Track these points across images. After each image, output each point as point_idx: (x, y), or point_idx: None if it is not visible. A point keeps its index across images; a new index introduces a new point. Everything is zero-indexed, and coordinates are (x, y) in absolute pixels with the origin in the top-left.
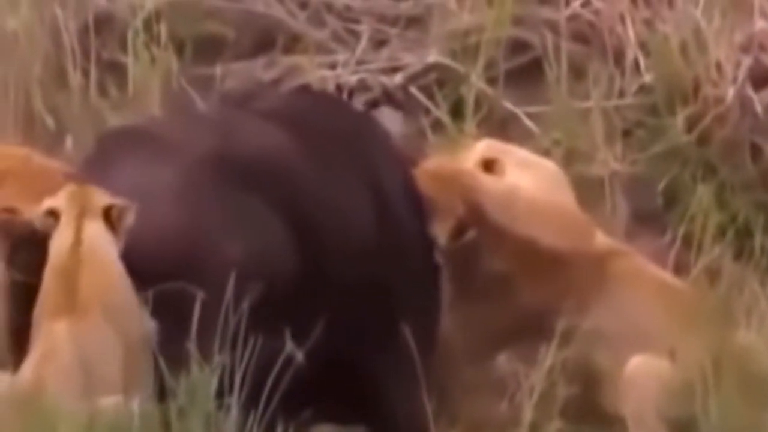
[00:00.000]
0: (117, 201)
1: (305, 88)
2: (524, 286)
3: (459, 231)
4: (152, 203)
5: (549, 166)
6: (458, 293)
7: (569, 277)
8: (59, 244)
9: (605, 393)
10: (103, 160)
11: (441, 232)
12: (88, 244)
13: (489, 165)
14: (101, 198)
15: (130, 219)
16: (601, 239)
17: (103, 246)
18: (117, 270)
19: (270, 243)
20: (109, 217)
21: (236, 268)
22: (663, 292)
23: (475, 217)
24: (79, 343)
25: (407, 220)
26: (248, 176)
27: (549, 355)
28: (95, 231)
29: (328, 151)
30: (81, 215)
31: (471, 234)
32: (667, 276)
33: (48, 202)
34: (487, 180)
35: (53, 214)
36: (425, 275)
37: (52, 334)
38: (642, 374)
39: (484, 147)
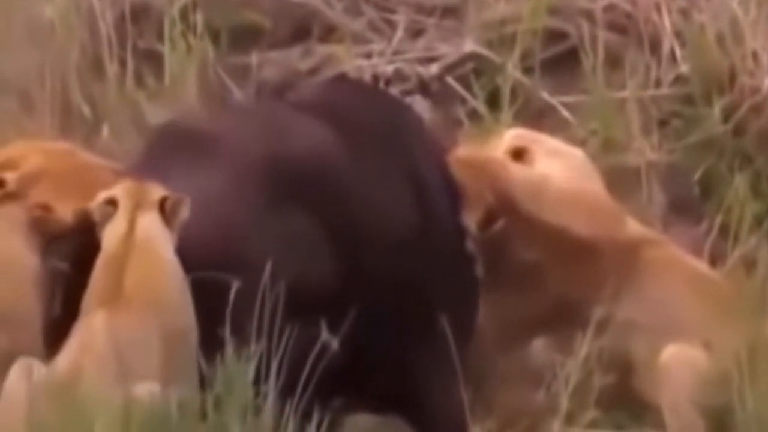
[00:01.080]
0: (172, 194)
1: (341, 78)
2: (555, 275)
3: (489, 220)
4: (201, 207)
5: (578, 155)
6: (489, 282)
7: (601, 266)
8: (113, 234)
9: (641, 382)
10: (152, 161)
11: (471, 220)
12: (141, 235)
13: (519, 154)
14: (156, 191)
15: (184, 212)
16: (634, 227)
17: (156, 237)
18: (168, 262)
19: (306, 236)
20: (163, 209)
21: (272, 258)
22: (697, 281)
23: (505, 206)
24: (116, 333)
25: (444, 210)
26: (296, 182)
27: (584, 345)
28: (149, 222)
29: (368, 143)
30: (136, 207)
31: (500, 223)
32: (700, 265)
33: (106, 193)
34: (516, 169)
35: (112, 203)
36: (461, 265)
37: (91, 322)
38: (677, 363)
39: (513, 136)
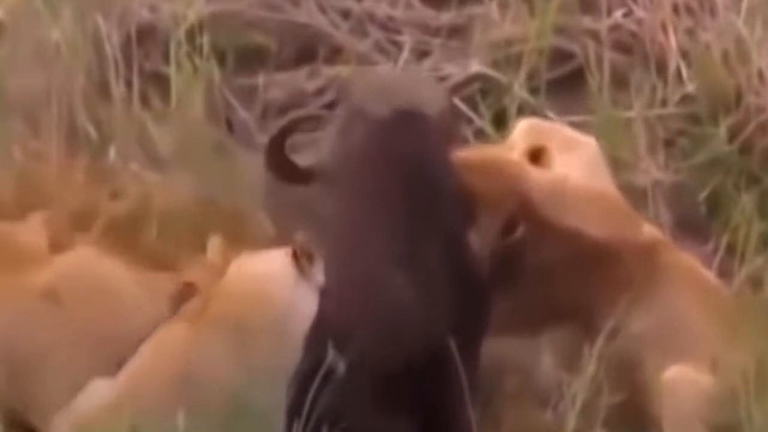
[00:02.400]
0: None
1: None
2: (571, 278)
3: (511, 227)
4: None
5: (590, 144)
6: (505, 280)
7: (619, 269)
8: None
9: (646, 399)
10: None
11: (490, 228)
12: (252, 269)
13: (536, 155)
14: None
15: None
16: (649, 230)
17: (273, 278)
18: (274, 299)
19: None
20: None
21: None
22: (708, 293)
23: (524, 211)
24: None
25: (467, 241)
26: None
27: (592, 360)
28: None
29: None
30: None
31: (521, 230)
32: (710, 276)
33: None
34: (535, 172)
35: None
36: (471, 283)
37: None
38: (681, 382)
39: (527, 131)
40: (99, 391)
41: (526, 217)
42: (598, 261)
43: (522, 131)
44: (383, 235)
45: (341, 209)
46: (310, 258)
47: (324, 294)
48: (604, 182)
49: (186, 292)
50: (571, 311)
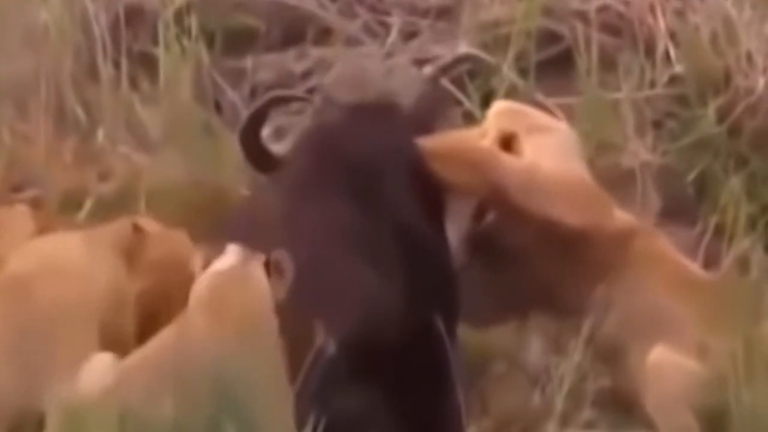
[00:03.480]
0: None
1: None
2: (544, 265)
3: (481, 212)
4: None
5: (563, 128)
6: (481, 264)
7: (592, 256)
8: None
9: (630, 382)
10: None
11: (461, 214)
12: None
13: (507, 141)
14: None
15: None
16: (622, 216)
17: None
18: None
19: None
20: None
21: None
22: (688, 279)
23: (495, 197)
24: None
25: (427, 233)
26: None
27: (578, 346)
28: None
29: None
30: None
31: (492, 215)
32: (690, 264)
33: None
34: (507, 159)
35: None
36: (444, 270)
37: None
38: (664, 366)
39: (499, 114)
40: (93, 373)
41: (498, 204)
42: (572, 247)
43: (495, 115)
44: (332, 223)
45: (293, 198)
46: (280, 274)
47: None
48: (577, 167)
49: (136, 237)
50: (547, 298)
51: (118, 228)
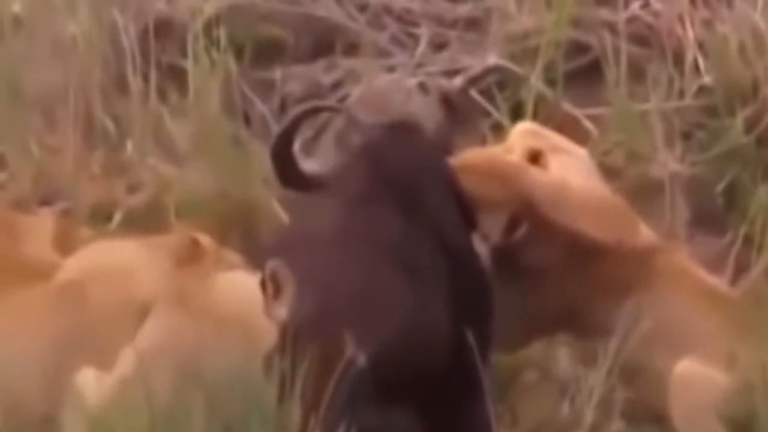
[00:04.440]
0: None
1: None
2: (571, 279)
3: (513, 226)
4: None
5: (582, 154)
6: (506, 281)
7: (618, 271)
8: None
9: (657, 395)
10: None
11: (493, 228)
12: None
13: (535, 157)
14: None
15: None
16: (647, 233)
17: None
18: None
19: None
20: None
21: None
22: (711, 293)
23: (525, 210)
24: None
25: (466, 248)
26: None
27: (607, 358)
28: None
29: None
30: None
31: (523, 229)
32: (712, 279)
33: None
34: (536, 173)
35: None
36: (479, 279)
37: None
38: (690, 377)
39: (523, 134)
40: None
41: (528, 217)
42: (599, 263)
43: (518, 133)
44: (383, 239)
45: (346, 213)
46: (278, 290)
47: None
48: (601, 186)
49: (192, 249)
50: (573, 316)
51: (175, 239)
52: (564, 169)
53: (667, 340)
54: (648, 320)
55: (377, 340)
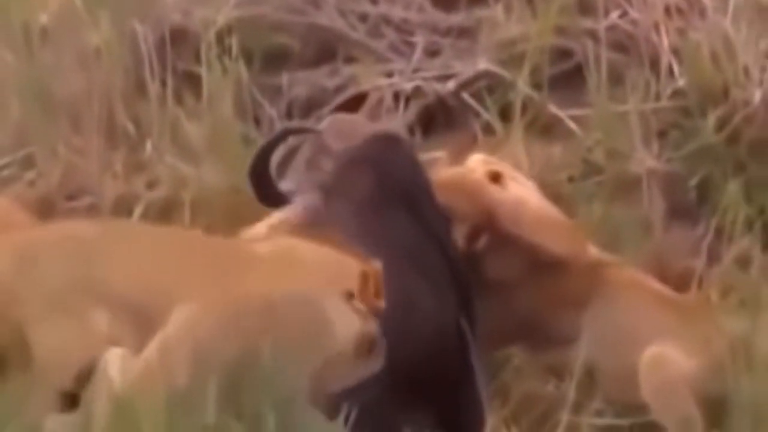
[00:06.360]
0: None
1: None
2: (530, 291)
3: (473, 237)
4: None
5: (530, 183)
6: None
7: (573, 282)
8: None
9: (629, 388)
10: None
11: (457, 238)
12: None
13: (495, 177)
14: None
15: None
16: (594, 250)
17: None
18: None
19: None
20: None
21: None
22: (661, 297)
23: (487, 224)
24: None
25: (455, 248)
26: None
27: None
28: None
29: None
30: None
31: (484, 240)
32: (659, 285)
33: None
34: (496, 190)
35: None
36: (470, 283)
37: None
38: (658, 360)
39: (480, 161)
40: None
41: (489, 230)
42: (557, 274)
43: (475, 161)
44: (393, 239)
45: (356, 215)
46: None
47: None
48: (552, 207)
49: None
50: (533, 323)
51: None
52: (521, 190)
53: (628, 340)
54: (602, 325)
55: (405, 343)
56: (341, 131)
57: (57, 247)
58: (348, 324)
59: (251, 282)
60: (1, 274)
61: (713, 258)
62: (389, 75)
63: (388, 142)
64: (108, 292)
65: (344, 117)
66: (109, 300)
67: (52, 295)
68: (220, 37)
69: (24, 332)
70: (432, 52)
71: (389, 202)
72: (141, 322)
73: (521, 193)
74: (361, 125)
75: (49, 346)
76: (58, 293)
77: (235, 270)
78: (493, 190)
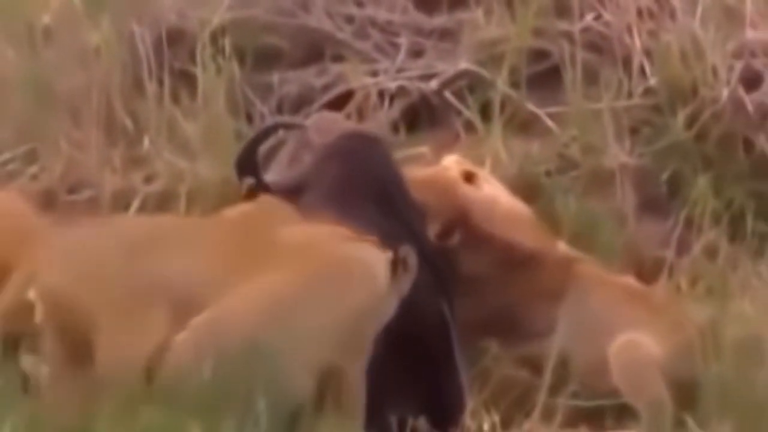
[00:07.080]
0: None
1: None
2: (502, 285)
3: (447, 233)
4: None
5: (498, 183)
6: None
7: (545, 278)
8: None
9: (600, 375)
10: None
11: (431, 233)
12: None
13: (469, 177)
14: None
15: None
16: (563, 246)
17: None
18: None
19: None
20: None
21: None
22: (628, 289)
23: (460, 221)
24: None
25: (428, 239)
26: None
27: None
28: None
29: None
30: None
31: (457, 236)
32: (624, 278)
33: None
34: (469, 189)
35: None
36: (446, 273)
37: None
38: (628, 345)
39: (455, 162)
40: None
41: (462, 228)
42: (529, 270)
43: (450, 162)
44: (364, 225)
45: (329, 204)
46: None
47: None
48: (523, 207)
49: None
50: (507, 318)
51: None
52: (493, 189)
53: (601, 331)
54: (580, 319)
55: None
56: (322, 128)
57: (113, 248)
58: (383, 267)
59: (287, 262)
60: (61, 277)
61: (683, 249)
62: (375, 74)
63: (360, 139)
64: (166, 288)
65: (328, 115)
66: (167, 296)
67: (113, 298)
68: (214, 38)
69: (87, 334)
70: (415, 53)
71: (359, 195)
72: (195, 313)
73: (493, 192)
74: (341, 123)
75: (112, 350)
76: (119, 296)
77: (270, 252)
78: (467, 188)
